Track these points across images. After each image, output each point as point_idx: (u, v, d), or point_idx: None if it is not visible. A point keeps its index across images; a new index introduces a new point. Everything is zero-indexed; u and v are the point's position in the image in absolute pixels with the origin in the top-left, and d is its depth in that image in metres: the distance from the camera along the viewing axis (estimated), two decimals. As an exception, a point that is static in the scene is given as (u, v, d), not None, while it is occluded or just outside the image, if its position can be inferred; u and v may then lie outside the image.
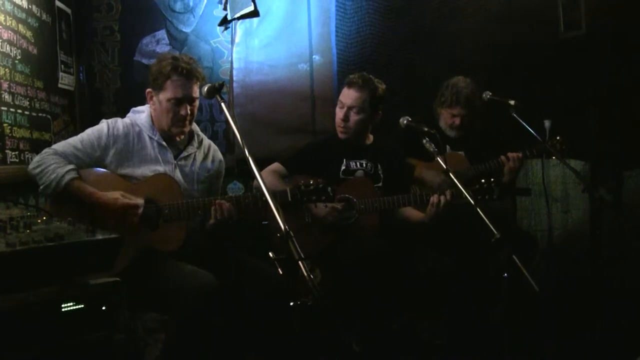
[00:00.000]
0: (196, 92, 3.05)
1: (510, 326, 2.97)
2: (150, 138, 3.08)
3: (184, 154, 3.17)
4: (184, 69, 3.00)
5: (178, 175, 3.11)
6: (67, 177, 2.83)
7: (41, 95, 3.79)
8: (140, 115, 3.14)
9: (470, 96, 3.93)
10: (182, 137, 3.16)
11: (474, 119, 4.01)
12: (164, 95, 3.03)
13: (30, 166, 2.93)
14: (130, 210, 2.86)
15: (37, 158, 2.93)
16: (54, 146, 2.98)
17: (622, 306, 4.01)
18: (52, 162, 2.87)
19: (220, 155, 3.36)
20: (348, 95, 3.62)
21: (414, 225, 3.60)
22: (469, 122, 4.00)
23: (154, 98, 3.09)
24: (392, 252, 3.49)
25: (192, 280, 2.77)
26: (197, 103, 3.11)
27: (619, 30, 4.40)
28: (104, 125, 3.06)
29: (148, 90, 3.12)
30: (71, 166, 2.88)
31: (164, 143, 3.10)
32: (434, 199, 3.40)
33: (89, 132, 3.04)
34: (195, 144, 3.22)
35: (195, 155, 3.21)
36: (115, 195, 2.86)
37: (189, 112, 3.05)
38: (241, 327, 2.99)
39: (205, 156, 3.27)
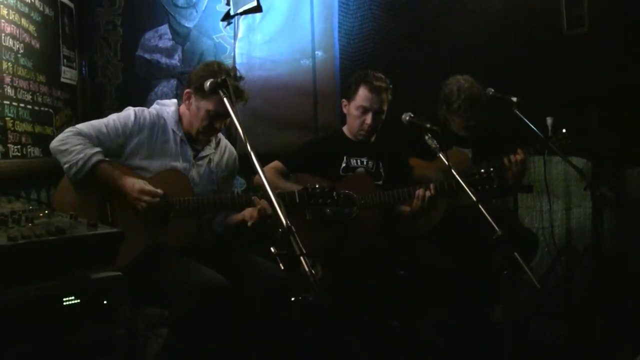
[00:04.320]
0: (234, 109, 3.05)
1: (511, 323, 2.97)
2: (174, 133, 3.11)
3: (203, 153, 3.20)
4: (236, 87, 3.01)
5: (194, 174, 3.13)
6: (95, 159, 2.86)
7: (43, 90, 3.79)
8: (168, 108, 3.16)
9: (481, 100, 3.89)
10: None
11: (483, 116, 3.99)
12: (206, 105, 3.05)
13: (53, 143, 2.94)
14: (146, 195, 2.86)
15: (60, 136, 2.94)
16: (79, 126, 3.00)
17: (624, 304, 4.01)
18: (78, 142, 2.89)
19: (235, 156, 3.39)
20: (376, 100, 3.59)
21: (406, 219, 3.61)
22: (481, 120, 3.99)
23: (193, 101, 3.10)
24: (392, 248, 3.49)
25: (198, 278, 2.77)
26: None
27: (622, 27, 4.39)
28: (130, 112, 3.08)
29: (188, 91, 3.12)
30: (98, 148, 2.90)
31: (185, 140, 3.13)
32: (419, 192, 3.43)
33: (115, 118, 3.05)
34: (214, 144, 3.26)
35: (212, 156, 3.24)
36: (137, 181, 2.89)
37: (222, 126, 3.10)
38: (242, 323, 2.99)
39: (222, 157, 3.30)
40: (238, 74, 3.15)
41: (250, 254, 3.17)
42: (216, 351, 2.86)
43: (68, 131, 2.95)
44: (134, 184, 2.87)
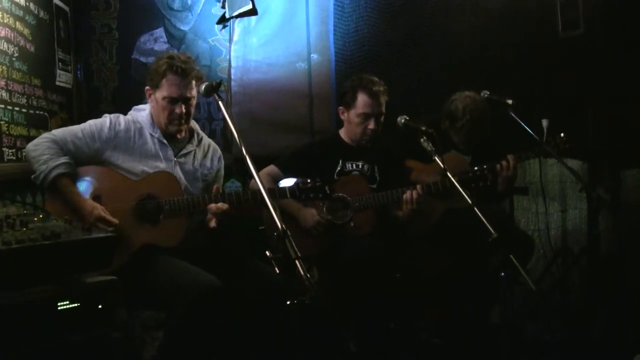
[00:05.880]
0: (192, 91, 3.07)
1: (508, 325, 2.97)
2: (151, 135, 3.11)
3: (184, 151, 3.19)
4: (179, 67, 3.02)
5: (178, 172, 3.13)
6: (55, 172, 2.86)
7: (38, 93, 3.78)
8: (142, 113, 3.17)
9: (485, 119, 3.89)
10: (183, 135, 3.18)
11: (486, 132, 3.98)
12: (160, 94, 3.06)
13: (28, 147, 2.96)
14: (102, 225, 2.83)
15: (35, 141, 2.96)
16: (54, 132, 3.01)
17: (620, 305, 4.01)
18: (47, 151, 2.89)
19: (220, 154, 3.38)
20: (376, 105, 3.61)
21: (401, 223, 3.61)
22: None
23: (152, 96, 3.12)
24: (389, 250, 3.49)
25: (193, 280, 2.77)
26: (193, 102, 3.12)
27: (618, 29, 4.40)
28: (106, 119, 3.09)
29: (147, 87, 3.15)
30: (63, 159, 2.90)
31: (164, 140, 3.13)
32: (406, 196, 3.44)
33: (91, 123, 3.06)
34: (195, 142, 3.25)
35: (195, 153, 3.23)
36: (96, 207, 2.86)
37: (183, 110, 3.06)
38: (238, 326, 2.99)
39: (205, 154, 3.29)
40: (184, 57, 3.10)
41: (246, 256, 3.16)
42: (212, 353, 2.86)
43: (43, 137, 2.96)
44: (93, 210, 2.85)
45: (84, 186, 2.96)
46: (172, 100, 3.05)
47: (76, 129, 3.03)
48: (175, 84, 3.03)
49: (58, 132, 3.00)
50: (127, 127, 3.09)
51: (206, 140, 3.35)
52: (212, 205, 3.00)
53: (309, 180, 3.16)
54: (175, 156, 3.15)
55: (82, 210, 2.85)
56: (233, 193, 3.09)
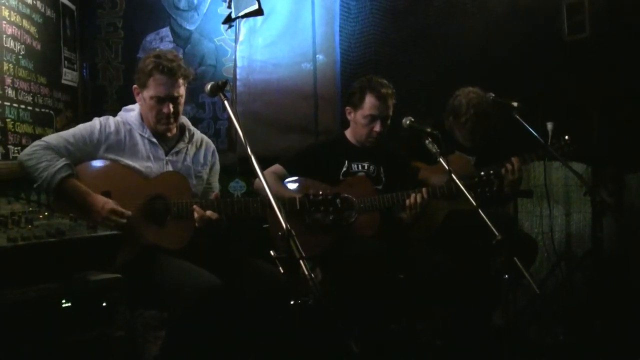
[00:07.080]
0: (179, 90, 3.06)
1: (510, 327, 2.97)
2: (141, 136, 3.09)
3: (175, 149, 3.17)
4: (166, 67, 2.99)
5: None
6: (58, 177, 2.84)
7: (44, 91, 3.79)
8: (131, 113, 3.15)
9: (489, 115, 3.88)
10: (173, 132, 3.16)
11: (490, 129, 3.98)
12: (147, 93, 3.04)
13: (21, 157, 2.92)
14: (114, 217, 2.84)
15: (27, 150, 2.92)
16: (46, 138, 2.98)
17: (623, 309, 4.01)
18: (44, 158, 2.87)
19: (213, 148, 3.36)
20: (383, 108, 3.59)
21: (406, 225, 3.61)
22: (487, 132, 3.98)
23: (140, 95, 3.10)
24: (392, 251, 3.49)
25: (193, 280, 2.77)
26: (181, 100, 3.10)
27: (623, 33, 4.39)
28: (96, 122, 3.07)
29: (134, 86, 3.12)
30: (62, 162, 2.87)
31: (154, 140, 3.11)
32: (411, 199, 3.43)
33: (81, 127, 3.05)
34: (186, 138, 3.22)
35: (186, 150, 3.21)
36: (107, 202, 2.86)
37: (171, 110, 3.04)
38: (241, 326, 2.99)
39: (198, 150, 3.27)
40: (171, 55, 3.08)
41: (247, 256, 3.16)
42: (214, 353, 2.86)
43: (36, 144, 2.93)
44: (104, 204, 2.84)
45: (95, 179, 2.95)
46: (160, 100, 3.03)
47: (67, 133, 3.01)
48: (162, 83, 3.01)
49: (49, 138, 2.97)
50: (117, 129, 3.07)
51: (198, 135, 3.31)
52: (199, 210, 2.98)
53: (320, 192, 3.16)
54: (166, 155, 3.13)
55: (93, 206, 2.84)
56: (242, 199, 3.10)
